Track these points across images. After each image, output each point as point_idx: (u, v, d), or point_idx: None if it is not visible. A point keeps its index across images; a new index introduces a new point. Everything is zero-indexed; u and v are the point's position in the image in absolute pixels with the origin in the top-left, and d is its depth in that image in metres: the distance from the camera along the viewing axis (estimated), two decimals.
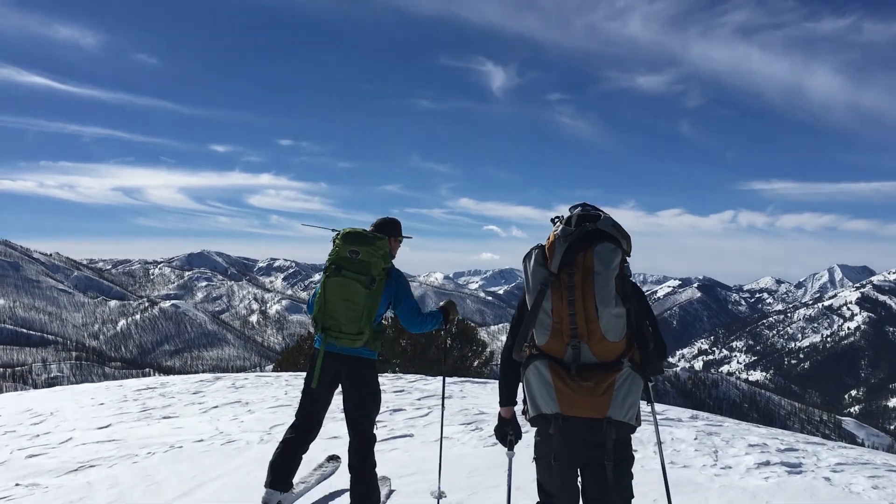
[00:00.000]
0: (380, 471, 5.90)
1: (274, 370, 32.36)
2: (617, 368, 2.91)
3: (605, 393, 2.87)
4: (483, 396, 10.64)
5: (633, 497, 3.17)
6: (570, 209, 3.20)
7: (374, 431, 4.72)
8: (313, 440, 4.81)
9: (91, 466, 6.21)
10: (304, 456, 4.79)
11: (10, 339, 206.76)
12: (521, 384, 3.17)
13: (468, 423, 8.08)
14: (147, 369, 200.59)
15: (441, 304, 5.05)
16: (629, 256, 3.08)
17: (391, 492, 5.52)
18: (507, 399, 3.41)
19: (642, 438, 7.55)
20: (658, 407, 11.51)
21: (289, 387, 11.38)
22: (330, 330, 4.42)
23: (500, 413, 3.47)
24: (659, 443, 3.78)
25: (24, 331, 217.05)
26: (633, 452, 3.19)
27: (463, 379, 13.57)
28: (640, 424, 3.04)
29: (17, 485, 5.62)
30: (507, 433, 3.44)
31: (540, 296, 2.98)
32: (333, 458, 6.29)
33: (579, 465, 3.13)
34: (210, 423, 8.19)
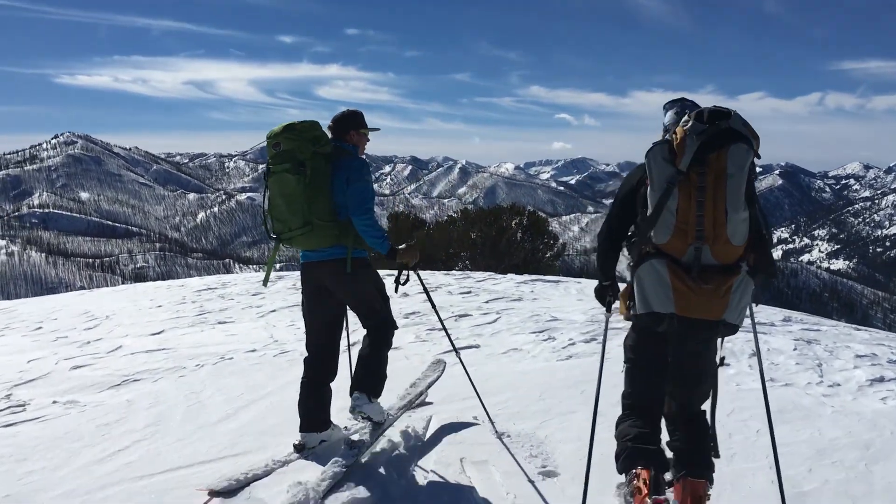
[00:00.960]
0: (440, 390, 5.34)
1: None
2: (736, 272, 2.88)
3: (724, 296, 2.86)
4: (556, 298, 9.98)
5: (716, 380, 3.32)
6: (671, 107, 3.24)
7: (391, 317, 4.33)
8: (333, 374, 4.33)
9: (135, 381, 5.83)
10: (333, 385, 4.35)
11: (98, 231, 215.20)
12: (633, 280, 3.09)
13: (539, 332, 7.43)
14: (227, 260, 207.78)
15: (401, 245, 4.23)
16: (759, 158, 2.96)
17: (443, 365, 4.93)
18: (606, 276, 3.37)
19: (734, 349, 6.78)
20: None
21: None
22: (281, 234, 4.06)
23: (600, 280, 3.41)
24: (760, 364, 3.37)
25: (110, 223, 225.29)
26: (727, 365, 3.29)
27: (534, 277, 12.93)
28: (742, 324, 3.03)
29: (54, 402, 5.25)
30: (606, 293, 3.38)
31: (665, 194, 2.87)
32: (438, 363, 5.76)
33: (676, 364, 3.17)
34: (265, 330, 7.79)
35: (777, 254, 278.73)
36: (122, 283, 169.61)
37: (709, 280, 2.86)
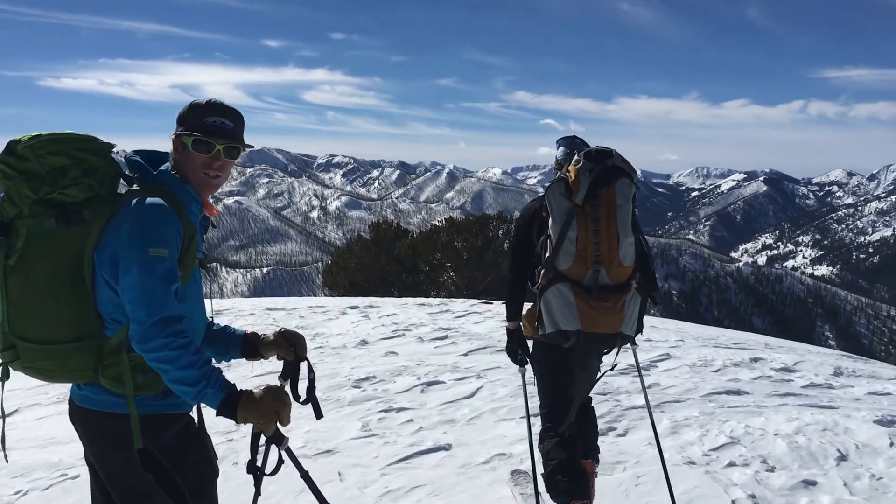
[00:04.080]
0: None
1: (323, 278, 30.14)
2: (627, 289, 3.24)
3: (619, 311, 3.20)
4: None
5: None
6: (563, 145, 3.77)
7: None
8: None
9: None
10: None
11: None
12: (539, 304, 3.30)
13: (536, 416, 5.37)
14: (213, 264, 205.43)
15: (252, 391, 2.02)
16: (637, 189, 3.30)
17: None
18: (515, 315, 3.68)
19: (811, 448, 4.78)
20: (772, 342, 8.66)
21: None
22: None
23: (508, 328, 3.73)
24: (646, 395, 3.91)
25: None
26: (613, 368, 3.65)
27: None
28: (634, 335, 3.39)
29: None
30: (517, 350, 3.71)
31: (566, 226, 3.19)
32: None
33: (579, 373, 3.61)
34: None
35: (762, 259, 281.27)
36: None
37: (607, 298, 3.19)
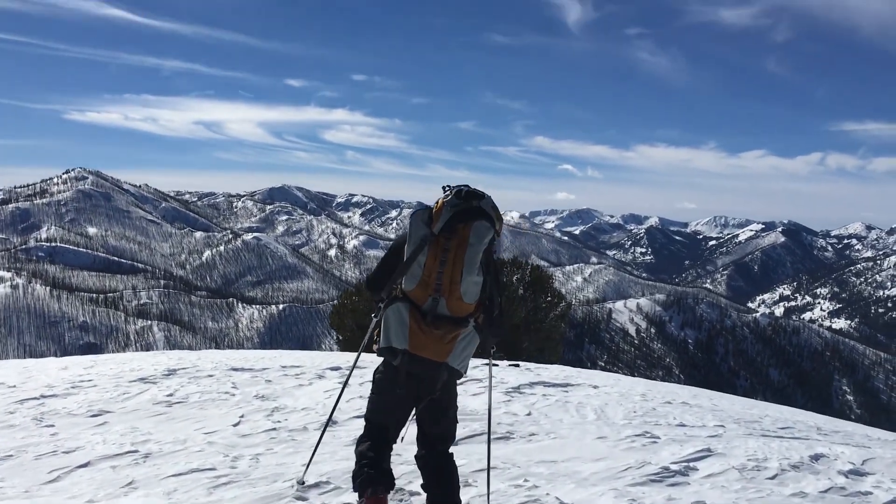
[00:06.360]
0: None
1: (330, 319, 28.66)
2: (464, 325, 3.38)
3: (449, 342, 3.33)
4: (564, 433, 6.37)
5: (457, 423, 3.82)
6: (446, 188, 3.67)
7: None
8: None
9: None
10: None
11: (103, 266, 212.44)
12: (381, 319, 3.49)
13: None
14: (231, 299, 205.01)
15: None
16: (499, 236, 3.55)
17: None
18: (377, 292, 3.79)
19: None
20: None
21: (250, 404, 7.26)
22: None
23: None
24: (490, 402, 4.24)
25: (116, 259, 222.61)
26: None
27: (532, 377, 9.33)
28: (466, 374, 3.68)
29: None
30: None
31: (418, 250, 3.37)
32: None
33: (412, 397, 3.58)
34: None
35: (779, 310, 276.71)
36: (125, 318, 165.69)
37: (440, 327, 3.33)
